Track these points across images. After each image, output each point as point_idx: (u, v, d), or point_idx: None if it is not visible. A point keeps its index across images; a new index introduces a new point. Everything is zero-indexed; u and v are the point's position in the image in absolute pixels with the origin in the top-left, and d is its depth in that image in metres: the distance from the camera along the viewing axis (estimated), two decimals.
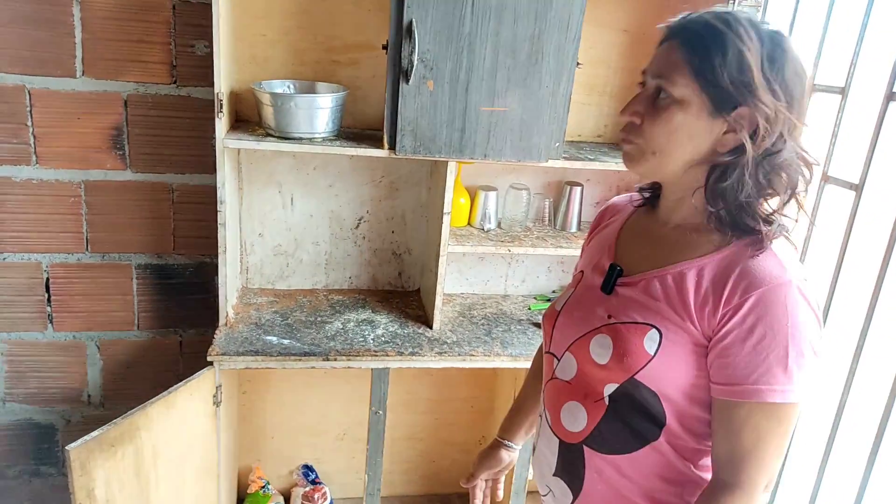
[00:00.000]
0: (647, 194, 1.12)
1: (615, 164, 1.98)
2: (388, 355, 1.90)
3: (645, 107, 0.95)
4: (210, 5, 1.64)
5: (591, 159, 1.98)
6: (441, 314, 2.09)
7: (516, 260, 2.37)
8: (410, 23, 1.67)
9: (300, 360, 1.85)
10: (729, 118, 0.90)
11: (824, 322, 1.76)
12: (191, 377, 1.75)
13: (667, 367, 0.95)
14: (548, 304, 2.30)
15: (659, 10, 2.13)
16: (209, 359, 1.80)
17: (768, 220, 0.94)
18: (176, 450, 1.73)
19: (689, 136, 0.93)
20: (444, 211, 1.93)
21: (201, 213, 2.08)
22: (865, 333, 1.69)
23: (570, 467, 1.07)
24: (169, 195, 2.07)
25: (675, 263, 0.98)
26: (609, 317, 1.01)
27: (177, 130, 2.01)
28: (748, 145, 0.90)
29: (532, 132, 1.84)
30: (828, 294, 1.76)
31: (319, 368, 1.91)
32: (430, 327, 2.07)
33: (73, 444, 1.40)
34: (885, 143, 1.69)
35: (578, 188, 2.20)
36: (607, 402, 1.00)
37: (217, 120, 1.72)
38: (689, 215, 0.99)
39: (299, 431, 2.40)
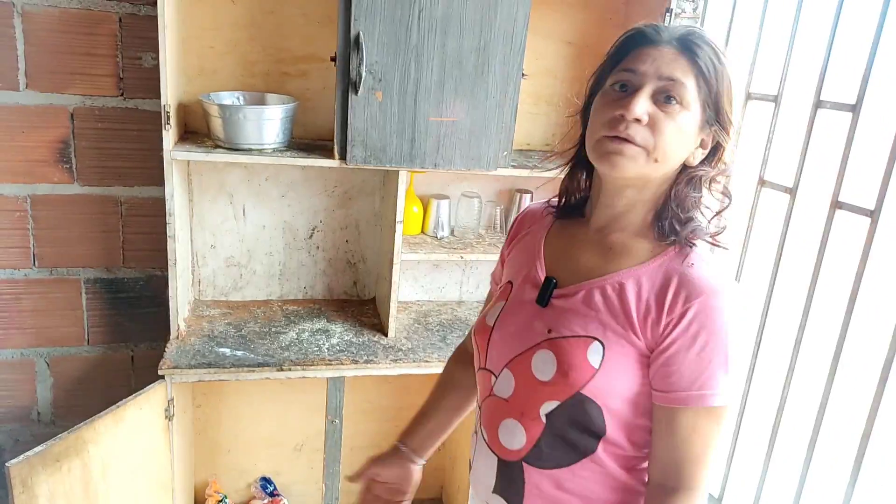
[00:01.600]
0: (569, 200, 1.10)
1: (562, 172, 2.02)
2: (342, 364, 1.91)
3: (651, 107, 0.91)
4: (157, 18, 1.64)
5: (539, 167, 2.02)
6: (396, 322, 2.11)
7: (470, 266, 2.41)
8: (358, 35, 1.70)
9: (254, 371, 1.84)
10: (705, 134, 0.96)
11: (763, 323, 1.84)
12: (141, 391, 1.73)
13: (611, 379, 0.94)
14: None
15: (600, 23, 2.19)
16: (160, 372, 1.78)
17: (699, 230, 0.97)
18: (127, 464, 1.71)
19: (686, 144, 0.95)
20: (397, 220, 1.95)
21: (151, 226, 2.06)
22: (802, 331, 1.77)
23: (509, 485, 1.04)
24: (118, 208, 2.05)
25: (611, 273, 0.97)
26: (549, 331, 0.98)
27: (125, 143, 1.99)
28: (714, 160, 0.97)
29: (480, 141, 1.88)
30: (766, 293, 1.84)
31: (274, 379, 1.91)
32: (386, 335, 2.09)
33: (12, 461, 1.38)
34: (816, 148, 1.77)
35: (528, 195, 2.25)
36: (544, 420, 0.98)
37: (164, 132, 1.72)
38: (632, 223, 0.99)
39: (256, 444, 2.39)
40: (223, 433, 2.34)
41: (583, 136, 1.03)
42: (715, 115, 0.94)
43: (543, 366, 0.97)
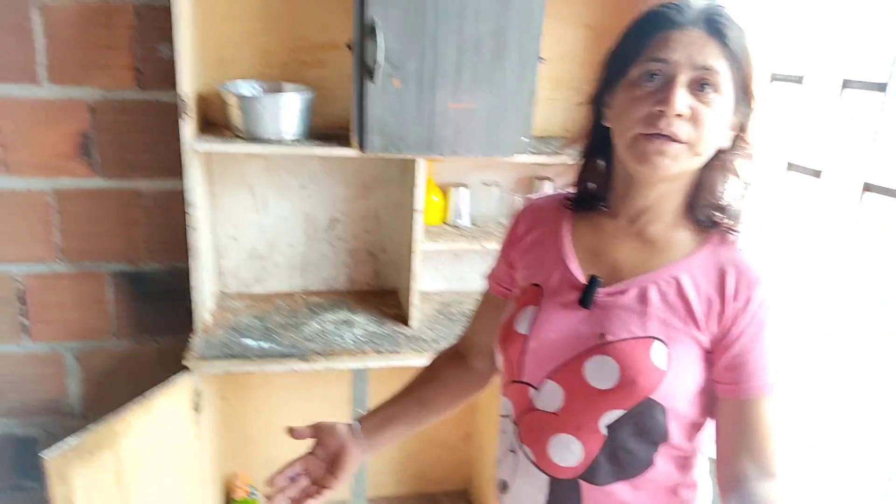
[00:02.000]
0: (587, 192, 1.03)
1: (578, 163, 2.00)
2: (366, 355, 1.92)
3: (690, 99, 0.86)
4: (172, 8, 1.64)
5: (558, 153, 2.00)
6: (418, 312, 2.10)
7: (492, 255, 2.38)
8: (373, 22, 1.69)
9: (279, 362, 1.85)
10: (736, 116, 0.91)
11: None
12: (167, 382, 1.75)
13: (679, 380, 0.90)
14: None
15: (619, 4, 2.16)
16: (187, 364, 1.80)
17: (733, 215, 0.95)
18: (158, 456, 1.73)
19: (724, 131, 0.91)
20: (416, 209, 1.94)
21: (173, 218, 2.07)
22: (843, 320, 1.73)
23: (562, 502, 0.98)
24: (139, 201, 2.06)
25: (660, 267, 0.93)
26: (602, 335, 0.92)
27: (144, 135, 2.00)
28: (742, 142, 0.93)
29: (499, 128, 1.86)
30: (800, 280, 1.80)
31: (299, 371, 1.92)
32: (408, 325, 2.08)
33: (49, 454, 1.40)
34: (843, 130, 1.73)
35: (548, 183, 2.22)
36: (605, 433, 0.93)
37: (183, 123, 1.72)
38: (666, 212, 0.95)
39: (282, 435, 2.38)
40: (250, 425, 2.35)
41: (595, 125, 0.98)
42: (744, 96, 0.91)
43: (601, 373, 0.91)
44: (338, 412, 2.36)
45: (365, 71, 1.74)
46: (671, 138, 0.85)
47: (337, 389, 2.34)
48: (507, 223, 1.13)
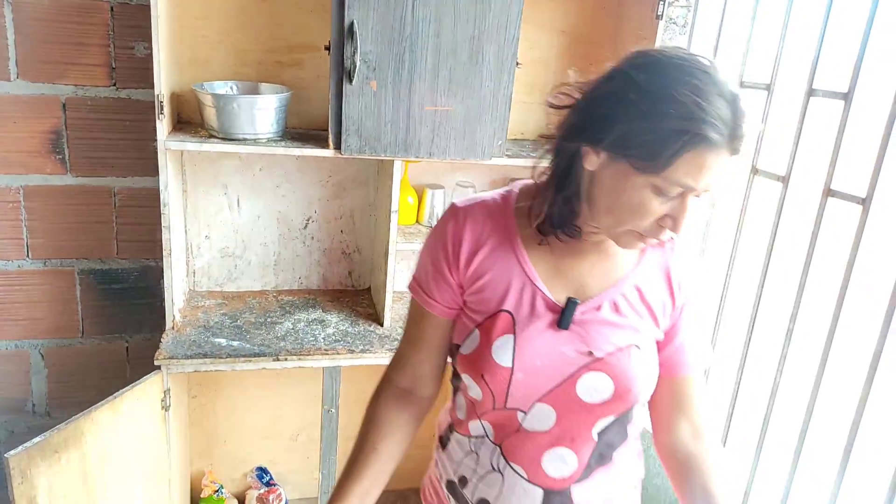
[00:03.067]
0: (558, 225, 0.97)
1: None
2: (338, 353, 1.92)
3: None
4: (149, 7, 1.63)
5: (533, 156, 2.02)
6: (392, 311, 2.11)
7: None
8: (352, 24, 1.69)
9: (250, 361, 1.85)
10: None
11: (755, 312, 1.86)
12: (137, 381, 1.74)
13: (653, 377, 1.00)
14: None
15: (594, 11, 2.19)
16: (156, 363, 1.79)
17: None
18: (124, 455, 1.72)
19: None
20: (392, 209, 1.95)
21: (145, 217, 2.06)
22: (794, 320, 1.78)
23: None
24: (111, 199, 2.04)
25: (620, 278, 0.98)
26: (590, 353, 0.94)
27: (118, 133, 1.98)
28: None
29: (475, 131, 1.88)
30: (759, 280, 1.85)
31: (271, 369, 1.92)
32: (381, 325, 2.09)
33: (11, 452, 1.38)
34: (809, 138, 1.79)
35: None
36: (596, 438, 0.99)
37: (158, 122, 1.71)
38: None
39: (252, 434, 2.39)
40: (219, 423, 2.34)
41: (568, 159, 0.93)
42: None
43: (594, 389, 0.94)
44: (309, 411, 2.36)
45: (342, 72, 1.74)
46: (660, 241, 0.92)
47: (308, 388, 2.33)
48: (440, 236, 1.00)
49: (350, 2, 1.68)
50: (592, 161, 0.89)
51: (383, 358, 1.95)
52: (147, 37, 1.68)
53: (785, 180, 1.83)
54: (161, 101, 1.70)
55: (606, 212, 0.90)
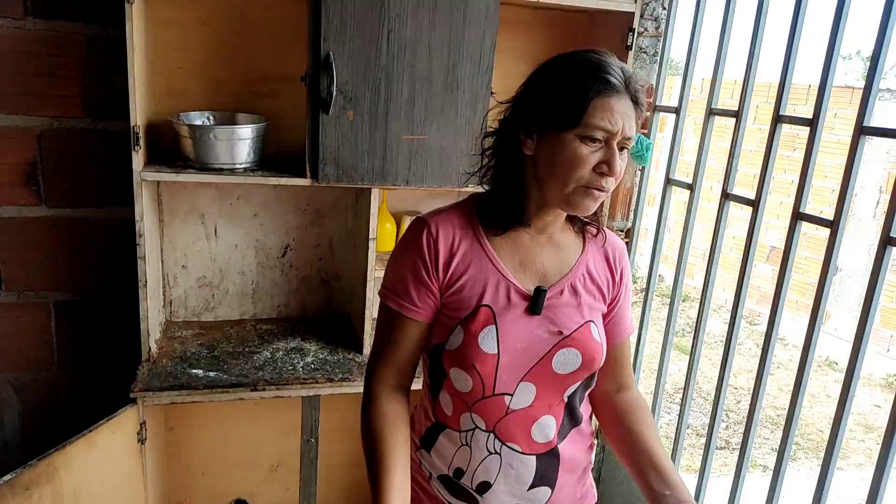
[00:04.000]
0: (505, 216, 1.10)
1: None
2: (318, 382, 1.91)
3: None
4: (125, 39, 1.64)
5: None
6: (371, 339, 2.11)
7: None
8: (328, 56, 1.72)
9: (227, 392, 1.83)
10: None
11: (734, 329, 1.89)
12: (113, 415, 1.71)
13: (604, 345, 1.15)
14: None
15: (566, 41, 2.24)
16: (132, 395, 1.77)
17: (599, 217, 1.18)
18: (99, 489, 1.69)
19: None
20: (370, 237, 1.96)
21: (121, 248, 2.04)
22: (771, 340, 1.82)
23: (547, 471, 1.15)
24: (87, 230, 2.03)
25: (573, 265, 1.14)
26: (560, 332, 1.10)
27: (93, 164, 1.98)
28: None
29: (451, 159, 1.90)
30: (734, 296, 1.88)
31: (249, 400, 1.90)
32: (361, 352, 2.09)
33: None
34: (779, 161, 1.83)
35: None
36: (566, 400, 1.14)
37: (134, 153, 1.72)
38: (561, 223, 1.15)
39: (231, 465, 2.36)
40: (197, 455, 2.31)
41: (509, 152, 1.08)
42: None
43: (566, 362, 1.10)
44: (288, 440, 2.34)
45: (319, 103, 1.76)
46: (602, 189, 1.03)
47: (287, 417, 2.31)
48: (415, 247, 1.10)
49: (326, 34, 1.70)
50: (529, 145, 1.05)
51: (363, 386, 1.94)
52: (123, 68, 1.69)
53: (756, 204, 1.87)
54: (136, 133, 1.70)
55: (551, 178, 1.03)
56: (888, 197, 1.55)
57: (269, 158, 2.02)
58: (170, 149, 1.98)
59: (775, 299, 1.73)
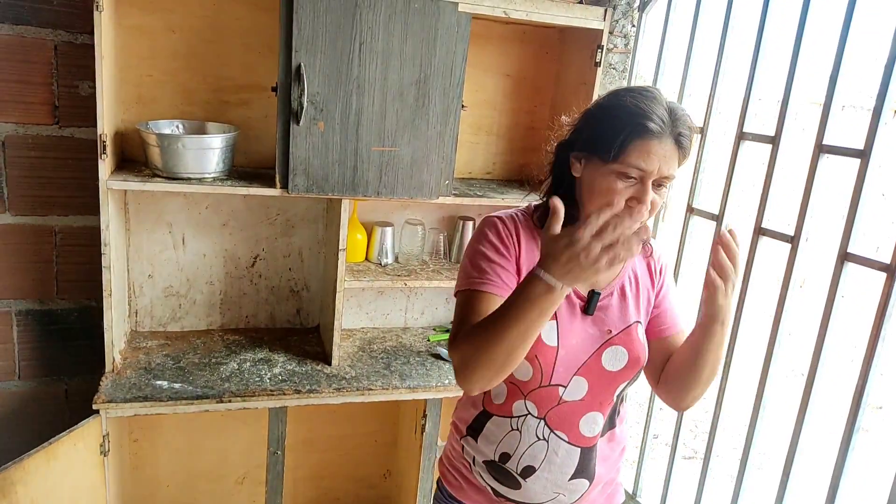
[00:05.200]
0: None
1: (503, 199, 2.08)
2: (285, 394, 1.90)
3: (653, 196, 1.09)
4: (94, 46, 1.63)
5: (480, 195, 2.07)
6: (340, 350, 2.10)
7: (415, 293, 2.42)
8: (299, 67, 1.72)
9: (192, 403, 1.81)
10: None
11: None
12: (74, 427, 1.68)
13: (645, 345, 1.24)
14: (446, 335, 2.37)
15: (536, 57, 2.27)
16: (95, 407, 1.74)
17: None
18: (59, 503, 1.65)
19: None
20: (340, 247, 1.96)
21: (86, 256, 2.01)
22: (731, 351, 1.85)
23: (587, 464, 1.24)
24: (51, 238, 2.00)
25: (620, 271, 1.24)
26: (609, 331, 1.20)
27: (59, 172, 1.95)
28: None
29: (422, 170, 1.91)
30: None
31: (215, 411, 1.88)
32: (329, 363, 2.08)
33: None
34: (741, 178, 1.87)
35: (471, 222, 2.29)
36: (615, 400, 1.24)
37: (101, 161, 1.70)
38: None
39: (197, 478, 2.33)
40: (162, 467, 2.27)
41: (561, 170, 1.20)
42: None
43: (614, 359, 1.20)
44: (254, 452, 2.32)
45: (290, 113, 1.76)
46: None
47: (254, 429, 2.29)
48: (494, 235, 1.19)
49: (297, 44, 1.71)
50: (577, 168, 1.16)
51: (331, 398, 1.94)
52: (91, 76, 1.67)
53: (718, 219, 1.91)
54: (104, 141, 1.68)
55: (588, 202, 1.14)
56: None
57: (239, 168, 2.02)
58: (138, 157, 1.96)
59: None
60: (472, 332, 1.06)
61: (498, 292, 1.14)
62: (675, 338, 1.28)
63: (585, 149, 1.13)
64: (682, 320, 1.30)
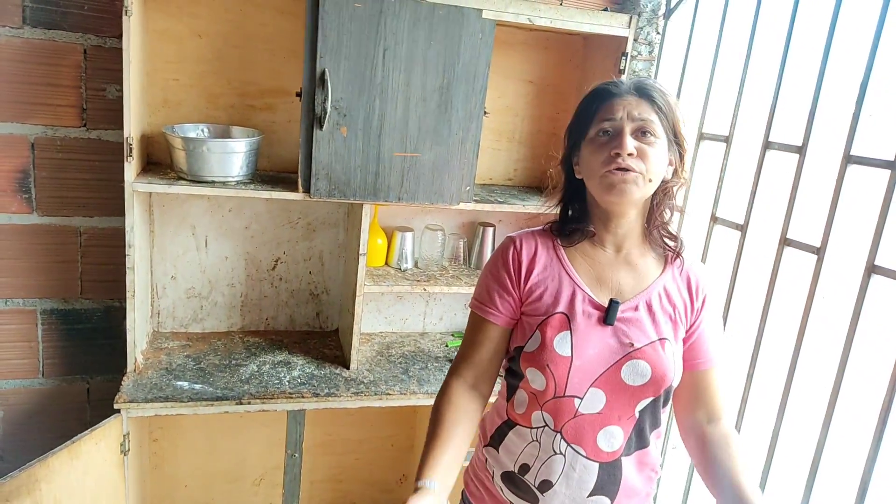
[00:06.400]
0: (569, 230, 1.25)
1: (523, 206, 2.07)
2: (303, 397, 1.90)
3: (635, 142, 1.13)
4: (122, 50, 1.65)
5: (500, 202, 2.06)
6: (358, 354, 2.11)
7: (434, 298, 2.42)
8: (324, 72, 1.73)
9: (212, 405, 1.82)
10: (671, 154, 1.18)
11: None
12: (96, 426, 1.70)
13: (679, 364, 1.20)
14: None
15: (559, 63, 2.27)
16: (116, 406, 1.75)
17: (681, 242, 1.23)
18: (81, 501, 1.67)
19: (664, 163, 1.17)
20: (361, 252, 1.97)
21: (110, 257, 2.04)
22: (754, 363, 1.82)
23: (609, 481, 1.20)
24: (77, 238, 2.03)
25: (650, 284, 1.21)
26: (631, 344, 1.16)
27: (86, 173, 1.98)
28: (679, 173, 1.20)
29: (444, 176, 1.92)
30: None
31: (234, 413, 1.89)
32: (348, 367, 2.09)
33: None
34: (766, 187, 1.85)
35: (491, 228, 2.28)
36: (637, 415, 1.18)
37: (126, 164, 1.72)
38: (637, 237, 1.22)
39: (214, 478, 2.34)
40: (180, 467, 2.29)
41: (569, 180, 1.24)
42: (675, 137, 1.18)
43: (635, 374, 1.16)
44: (272, 454, 2.33)
45: (313, 118, 1.77)
46: (628, 169, 1.12)
47: (272, 431, 2.30)
48: (503, 261, 1.24)
49: (322, 50, 1.72)
50: (578, 170, 1.21)
51: (348, 401, 1.94)
52: (119, 79, 1.69)
53: (743, 229, 1.88)
54: (130, 144, 1.71)
55: (588, 180, 1.18)
56: None
57: (262, 172, 2.03)
58: (163, 160, 1.99)
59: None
60: (431, 420, 1.22)
61: (496, 321, 1.24)
62: (705, 374, 1.24)
63: (573, 144, 1.21)
64: (717, 357, 1.24)
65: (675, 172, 1.20)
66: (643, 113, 1.13)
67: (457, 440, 1.19)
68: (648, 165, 1.12)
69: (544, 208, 1.29)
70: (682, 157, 1.20)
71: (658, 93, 1.16)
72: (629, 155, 1.11)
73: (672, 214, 1.23)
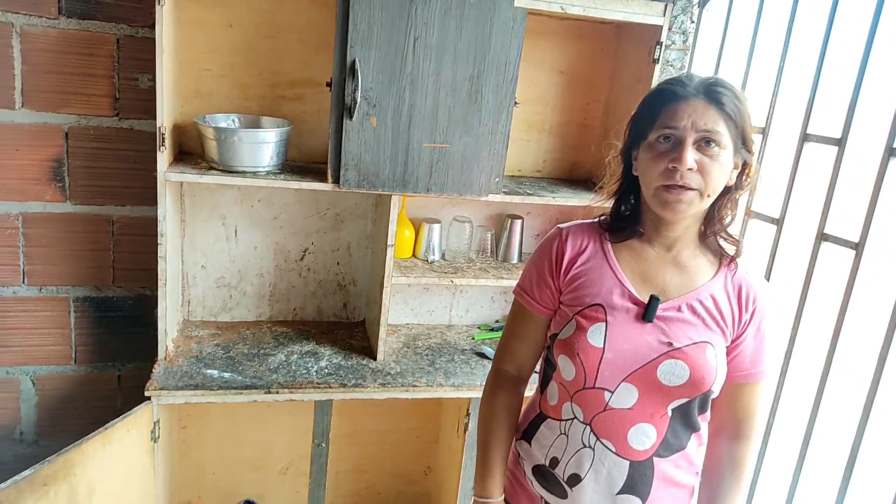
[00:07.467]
0: (620, 224, 1.22)
1: (553, 199, 2.05)
2: (331, 387, 1.91)
3: (697, 155, 1.07)
4: (154, 40, 1.66)
5: (529, 194, 2.04)
6: (385, 345, 2.11)
7: (460, 290, 2.41)
8: (354, 62, 1.72)
9: (241, 393, 1.84)
10: (737, 158, 1.12)
11: None
12: (128, 413, 1.72)
13: (722, 373, 1.16)
14: (491, 334, 2.35)
15: (592, 53, 2.23)
16: (147, 394, 1.77)
17: (734, 241, 1.19)
18: (112, 487, 1.70)
19: (727, 174, 1.12)
20: (389, 243, 1.96)
21: (142, 246, 2.06)
22: (789, 359, 1.78)
23: (640, 480, 1.17)
24: (109, 227, 2.05)
25: (698, 287, 1.16)
26: (670, 343, 1.13)
27: (118, 163, 2.00)
28: (743, 178, 1.15)
29: (473, 168, 1.90)
30: None
31: (262, 402, 1.90)
32: (374, 358, 2.09)
33: (1, 486, 1.36)
34: (803, 181, 1.81)
35: (519, 221, 2.26)
36: (670, 414, 1.15)
37: (159, 153, 1.73)
38: (691, 240, 1.18)
39: (241, 466, 2.37)
40: (208, 455, 2.32)
41: (625, 172, 1.20)
42: (742, 142, 1.12)
43: (672, 374, 1.12)
44: (299, 443, 2.34)
45: (343, 108, 1.77)
46: (685, 187, 1.07)
47: (300, 420, 2.32)
48: (546, 251, 1.24)
49: (353, 40, 1.71)
50: (635, 166, 1.16)
51: (375, 392, 1.94)
52: (151, 69, 1.70)
53: (779, 223, 1.84)
54: (163, 133, 1.72)
55: (643, 186, 1.13)
56: None
57: (292, 162, 2.03)
58: (194, 149, 2.00)
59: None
60: (479, 422, 1.32)
61: (535, 311, 1.25)
62: (742, 389, 1.20)
63: (633, 140, 1.16)
64: (759, 372, 1.19)
65: (740, 176, 1.14)
66: (709, 122, 1.06)
67: (507, 444, 1.29)
68: (708, 180, 1.07)
69: (596, 201, 1.27)
70: (747, 160, 1.13)
71: (729, 97, 1.08)
72: (688, 170, 1.06)
73: (733, 220, 1.18)
